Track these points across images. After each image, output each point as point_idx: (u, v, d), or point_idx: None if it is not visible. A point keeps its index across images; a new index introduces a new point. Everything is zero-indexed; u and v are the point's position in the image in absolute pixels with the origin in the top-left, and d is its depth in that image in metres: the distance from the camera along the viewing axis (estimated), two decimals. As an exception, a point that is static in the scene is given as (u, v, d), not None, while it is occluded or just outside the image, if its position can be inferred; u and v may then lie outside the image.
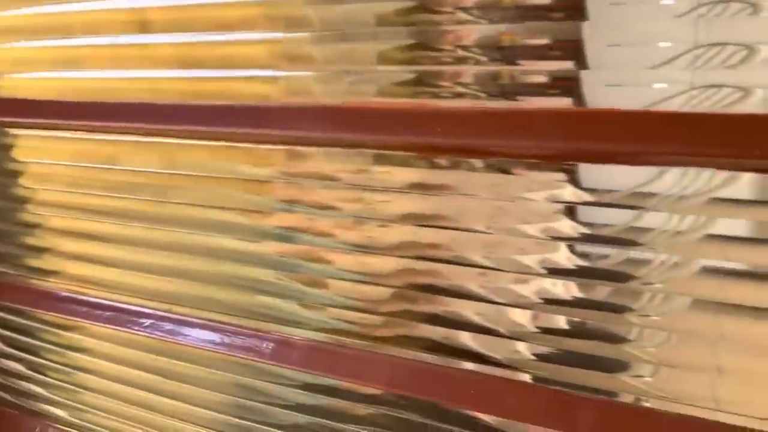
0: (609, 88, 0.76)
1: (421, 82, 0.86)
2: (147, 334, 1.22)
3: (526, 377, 0.91)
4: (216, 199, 1.09)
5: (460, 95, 0.84)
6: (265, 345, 1.11)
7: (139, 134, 1.13)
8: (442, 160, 0.88)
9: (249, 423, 1.19)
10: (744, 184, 0.74)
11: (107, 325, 1.28)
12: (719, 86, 0.70)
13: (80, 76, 1.15)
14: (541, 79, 0.79)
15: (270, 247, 1.07)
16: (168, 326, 1.22)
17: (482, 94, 0.83)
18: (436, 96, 0.85)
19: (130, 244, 1.22)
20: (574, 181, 0.81)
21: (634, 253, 0.80)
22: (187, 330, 1.20)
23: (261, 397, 1.17)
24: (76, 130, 1.20)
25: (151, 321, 1.24)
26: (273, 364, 1.11)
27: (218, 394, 1.21)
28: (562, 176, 0.82)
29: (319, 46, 0.92)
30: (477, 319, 0.92)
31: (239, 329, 1.14)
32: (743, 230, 0.76)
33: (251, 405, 1.18)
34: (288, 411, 1.15)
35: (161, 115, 1.07)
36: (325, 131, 0.94)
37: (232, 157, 1.05)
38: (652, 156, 0.75)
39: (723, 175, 0.74)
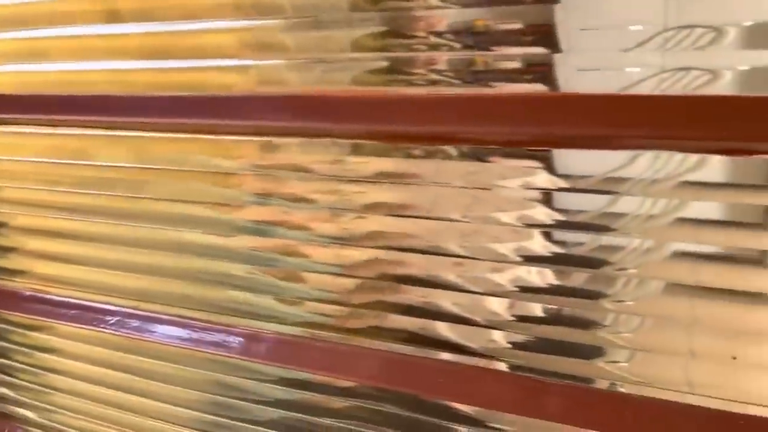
0: (582, 72, 0.77)
1: (394, 69, 0.86)
2: (113, 332, 1.21)
3: (503, 366, 0.92)
4: (186, 193, 1.09)
5: (434, 82, 0.84)
6: (237, 340, 1.12)
7: (106, 128, 1.12)
8: (418, 150, 0.88)
9: (224, 419, 1.18)
10: (714, 167, 0.75)
11: (74, 324, 1.27)
12: (689, 69, 0.71)
13: (46, 69, 1.13)
14: (515, 64, 0.80)
15: (243, 241, 1.07)
16: (135, 323, 1.21)
17: (456, 81, 0.83)
18: (410, 83, 0.85)
19: (97, 241, 1.21)
20: (549, 168, 0.82)
21: (608, 239, 0.81)
22: (155, 326, 1.19)
23: (235, 393, 1.16)
24: (41, 125, 1.17)
25: (118, 318, 1.22)
26: (246, 360, 1.11)
27: (191, 391, 1.20)
28: (536, 163, 0.83)
29: (291, 34, 0.91)
30: (453, 309, 0.93)
31: (210, 325, 1.14)
32: (715, 213, 0.77)
33: (225, 401, 1.18)
34: (263, 406, 1.15)
35: (130, 108, 1.06)
36: (298, 121, 0.94)
37: (203, 149, 1.05)
38: (624, 140, 0.76)
39: (694, 158, 0.74)
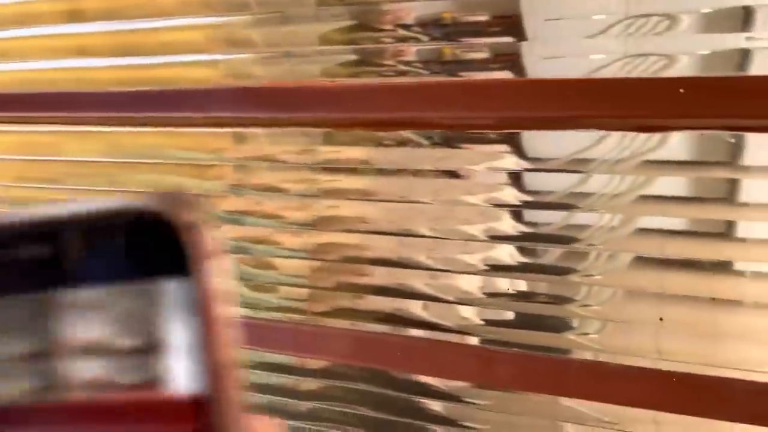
0: (548, 60, 0.79)
1: (363, 62, 0.88)
2: None
3: (475, 340, 0.95)
4: (157, 186, 1.10)
5: (402, 73, 0.85)
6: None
7: (77, 123, 1.11)
8: (388, 138, 0.90)
9: None
10: (676, 145, 0.78)
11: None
12: (650, 54, 0.73)
13: (12, 68, 1.11)
14: (483, 54, 0.82)
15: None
16: None
17: (424, 72, 0.85)
18: (379, 75, 0.87)
19: None
20: (516, 151, 0.86)
21: (576, 217, 0.85)
22: None
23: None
24: (10, 122, 1.16)
25: None
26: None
27: None
28: (503, 147, 0.86)
29: (259, 29, 0.91)
30: (425, 289, 0.96)
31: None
32: (679, 190, 0.80)
33: None
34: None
35: (99, 103, 1.06)
36: (268, 111, 0.95)
37: (174, 142, 1.07)
38: (588, 120, 0.79)
39: (656, 137, 0.77)
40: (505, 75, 0.81)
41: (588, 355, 0.90)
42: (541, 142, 0.84)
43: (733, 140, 0.77)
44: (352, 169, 0.95)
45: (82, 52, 1.03)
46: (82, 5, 1.00)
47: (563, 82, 0.79)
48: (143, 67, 1.02)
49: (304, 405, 1.12)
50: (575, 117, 0.80)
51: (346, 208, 0.97)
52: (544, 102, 0.80)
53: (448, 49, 0.83)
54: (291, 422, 1.15)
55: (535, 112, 0.81)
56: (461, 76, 0.83)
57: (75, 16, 1.01)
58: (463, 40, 0.82)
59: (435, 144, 0.88)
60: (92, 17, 1.00)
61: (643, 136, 0.79)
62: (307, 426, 1.12)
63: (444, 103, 0.85)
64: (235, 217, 1.05)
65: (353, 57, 0.88)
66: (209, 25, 0.95)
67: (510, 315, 0.93)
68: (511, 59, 0.80)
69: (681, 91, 0.75)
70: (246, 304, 1.09)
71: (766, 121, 0.75)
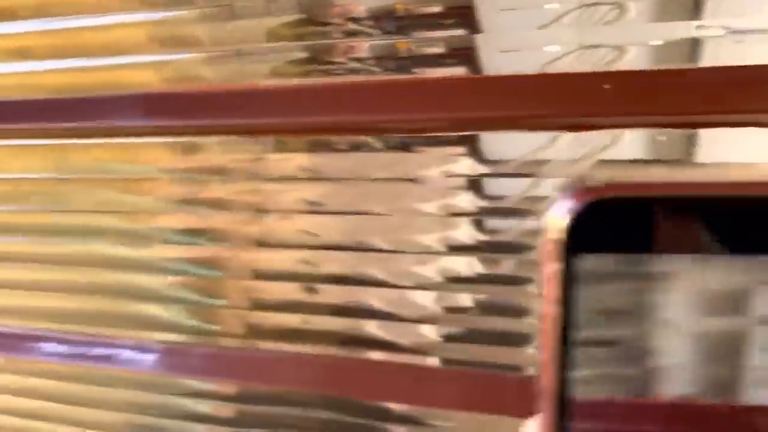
0: (504, 53, 0.78)
1: (313, 59, 0.87)
2: (21, 357, 1.16)
3: (435, 361, 0.93)
4: (94, 204, 1.08)
5: (354, 71, 0.84)
6: (158, 357, 1.09)
7: (4, 137, 1.05)
8: (341, 143, 0.88)
9: None
10: (631, 143, 0.78)
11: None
12: (605, 45, 0.74)
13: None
14: (437, 49, 0.81)
15: (159, 251, 1.05)
16: (42, 345, 1.16)
17: (377, 69, 0.83)
18: (330, 73, 0.85)
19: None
20: (471, 154, 0.85)
21: (532, 223, 0.83)
22: (60, 347, 1.14)
23: (161, 412, 1.12)
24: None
25: (29, 342, 1.16)
26: (170, 376, 1.09)
27: (109, 412, 1.15)
28: (457, 149, 0.86)
29: (205, 25, 0.90)
30: (380, 306, 0.94)
31: (124, 342, 1.10)
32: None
33: (153, 422, 1.13)
34: (191, 423, 1.11)
35: (31, 113, 1.01)
36: (216, 118, 0.93)
37: (113, 155, 1.04)
38: (542, 120, 0.79)
39: (610, 135, 0.77)
40: (461, 71, 0.80)
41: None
42: (495, 142, 0.83)
43: (664, 138, 0.77)
44: (302, 178, 0.92)
45: (15, 54, 0.99)
46: (12, 2, 0.97)
47: (515, 78, 0.78)
48: (80, 70, 0.98)
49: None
50: (530, 116, 0.79)
51: (298, 221, 0.95)
52: (496, 100, 0.79)
53: (402, 44, 0.82)
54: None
55: (487, 112, 0.81)
56: (414, 73, 0.82)
57: (8, 14, 0.97)
58: (416, 33, 0.81)
59: (387, 147, 0.87)
60: (24, 15, 0.96)
61: (596, 133, 0.78)
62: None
63: (395, 104, 0.84)
64: (180, 236, 1.01)
65: (302, 54, 0.87)
66: (152, 22, 0.92)
67: (467, 330, 0.91)
68: (466, 53, 0.79)
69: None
70: (191, 330, 1.04)
71: (696, 117, 0.75)
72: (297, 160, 0.92)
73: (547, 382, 0.25)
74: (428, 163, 0.86)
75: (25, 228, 1.14)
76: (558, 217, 0.24)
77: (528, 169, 0.82)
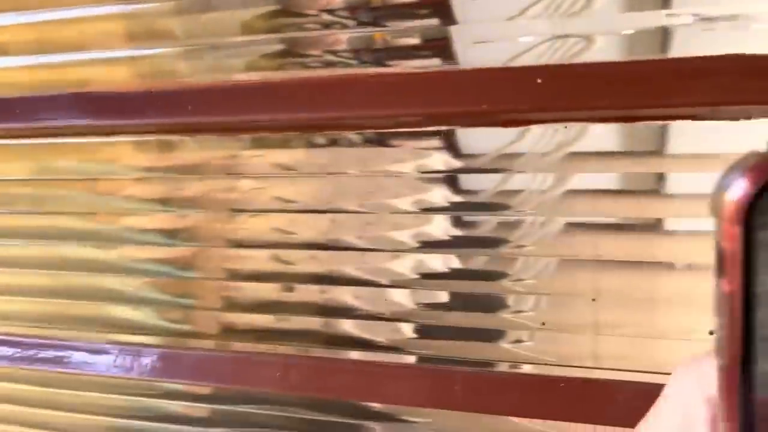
0: (478, 44, 0.80)
1: (289, 52, 0.87)
2: None
3: (411, 358, 0.95)
4: (62, 204, 1.08)
5: (330, 64, 0.85)
6: (146, 361, 1.08)
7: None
8: (315, 139, 0.89)
9: None
10: (603, 135, 0.79)
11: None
12: (576, 35, 0.75)
13: None
14: (413, 40, 0.82)
15: (129, 252, 1.06)
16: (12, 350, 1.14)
17: (353, 62, 0.84)
18: (305, 66, 0.86)
19: None
20: (444, 148, 0.87)
21: (504, 217, 0.86)
22: (36, 352, 1.12)
23: (143, 414, 1.11)
24: None
25: None
26: (152, 379, 1.10)
27: (86, 416, 1.14)
28: (430, 144, 0.87)
29: (179, 18, 0.90)
30: (355, 303, 0.96)
31: (100, 345, 1.09)
32: (608, 183, 0.82)
33: (131, 424, 1.12)
34: (167, 424, 1.10)
35: (21, 111, 1.00)
36: (190, 116, 0.93)
37: (80, 154, 1.05)
38: (514, 114, 0.80)
39: (578, 127, 0.79)
40: (436, 62, 0.81)
41: (524, 366, 0.89)
42: (467, 136, 0.85)
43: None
44: (276, 175, 0.93)
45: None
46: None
47: (487, 71, 0.80)
48: (50, 66, 0.98)
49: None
50: (501, 111, 0.81)
51: (272, 219, 0.96)
52: (468, 94, 0.80)
53: (378, 36, 0.83)
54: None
55: (459, 106, 0.82)
56: (390, 65, 0.83)
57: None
58: (391, 24, 0.82)
59: (359, 142, 0.88)
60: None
61: (567, 126, 0.80)
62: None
63: (367, 99, 0.84)
64: (152, 237, 1.01)
65: (278, 47, 0.88)
66: (126, 15, 0.92)
67: (442, 326, 0.92)
68: (441, 44, 0.81)
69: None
70: (165, 331, 1.04)
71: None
72: (272, 157, 0.93)
73: (731, 358, 0.26)
74: (400, 157, 0.87)
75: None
76: (737, 193, 0.24)
77: (501, 164, 0.83)
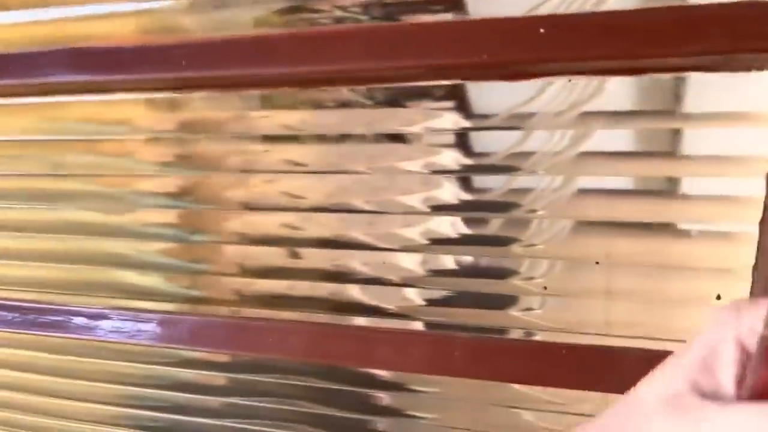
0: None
1: (298, 8, 0.86)
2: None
3: (419, 325, 0.96)
4: (68, 166, 1.08)
5: (339, 20, 0.84)
6: (151, 327, 1.11)
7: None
8: (325, 100, 0.88)
9: (151, 413, 1.16)
10: (618, 92, 0.78)
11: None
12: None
13: None
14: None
15: (141, 216, 1.07)
16: (28, 316, 1.16)
17: (363, 17, 0.84)
18: (315, 22, 0.85)
19: None
20: (455, 108, 0.85)
21: (517, 181, 0.85)
22: (46, 318, 1.13)
23: (153, 382, 1.12)
24: None
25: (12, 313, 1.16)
26: (161, 346, 1.11)
27: (101, 384, 1.15)
28: (441, 103, 0.86)
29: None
30: (364, 269, 0.96)
31: (111, 311, 1.09)
32: (621, 144, 0.81)
33: (145, 393, 1.13)
34: (183, 393, 1.10)
35: (8, 68, 0.99)
36: (198, 71, 0.92)
37: (80, 112, 1.04)
38: (530, 65, 0.79)
39: (595, 83, 0.78)
40: (447, 16, 0.81)
41: (535, 334, 0.89)
42: (478, 94, 0.85)
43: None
44: (285, 137, 0.94)
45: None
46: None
47: (501, 21, 0.79)
48: (58, 21, 0.97)
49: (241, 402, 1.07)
50: (517, 62, 0.80)
51: (281, 183, 0.97)
52: (483, 46, 0.80)
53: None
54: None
55: (473, 59, 0.81)
56: (401, 20, 0.83)
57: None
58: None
59: (368, 101, 0.87)
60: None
61: (582, 83, 0.79)
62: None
63: (378, 52, 0.84)
64: (162, 200, 1.00)
65: (287, 4, 0.87)
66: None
67: (451, 293, 0.93)
68: (453, -1, 0.80)
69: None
70: (171, 297, 1.04)
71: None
72: (280, 118, 0.93)
73: None
74: (410, 118, 0.87)
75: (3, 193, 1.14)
76: None
77: (514, 123, 0.83)
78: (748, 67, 0.72)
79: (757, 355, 0.28)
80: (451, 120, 0.86)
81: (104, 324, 1.13)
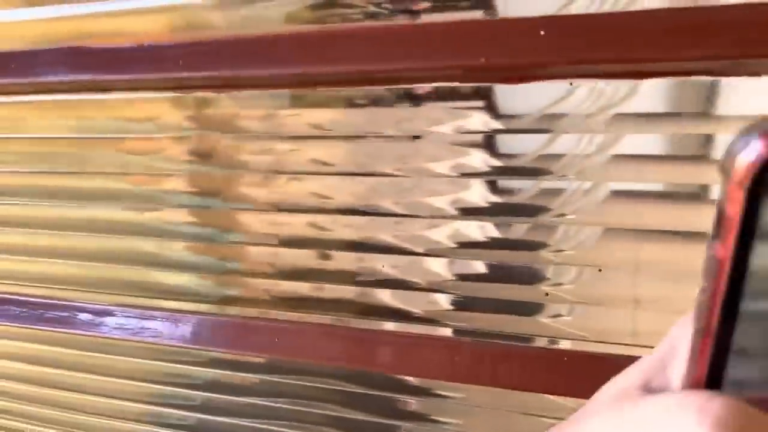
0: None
1: (331, 3, 0.86)
2: (40, 327, 1.23)
3: (447, 331, 0.97)
4: (97, 164, 1.11)
5: (372, 15, 0.85)
6: (181, 327, 1.14)
7: (39, 92, 1.09)
8: (354, 99, 0.89)
9: (181, 412, 1.19)
10: (650, 95, 0.78)
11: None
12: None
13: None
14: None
15: (168, 215, 1.09)
16: (63, 314, 1.22)
17: (397, 14, 0.84)
18: (348, 18, 0.86)
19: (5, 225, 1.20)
20: (484, 108, 0.86)
21: (546, 183, 0.86)
22: (81, 316, 1.16)
23: (182, 381, 1.13)
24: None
25: (43, 311, 1.18)
26: (193, 347, 1.13)
27: (133, 382, 1.23)
28: (471, 103, 0.87)
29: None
30: (391, 273, 0.98)
31: (144, 311, 1.11)
32: (653, 147, 0.81)
33: (174, 391, 1.15)
34: (216, 394, 1.15)
35: (42, 65, 1.02)
36: (227, 69, 0.93)
37: (106, 110, 1.06)
38: (560, 67, 0.79)
39: (628, 86, 0.78)
40: (477, 13, 0.81)
41: (561, 342, 0.89)
42: (509, 95, 0.85)
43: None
44: (313, 136, 0.95)
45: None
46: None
47: (532, 20, 0.79)
48: (74, 18, 0.99)
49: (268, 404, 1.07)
50: (547, 63, 0.80)
51: (309, 183, 0.98)
52: (513, 46, 0.80)
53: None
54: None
55: (503, 59, 0.81)
56: (432, 15, 0.83)
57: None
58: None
59: (397, 100, 0.88)
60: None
61: (613, 85, 0.79)
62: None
63: (407, 51, 0.84)
64: (188, 199, 1.02)
65: (320, -2, 0.88)
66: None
67: (479, 298, 0.93)
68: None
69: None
70: (200, 297, 1.05)
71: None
72: (309, 116, 0.93)
73: (707, 325, 0.26)
74: (439, 118, 0.87)
75: (26, 191, 1.18)
76: (749, 155, 0.23)
77: (544, 125, 0.83)
78: (756, 73, 0.71)
79: (689, 351, 0.28)
80: (480, 120, 0.86)
81: (108, 320, 1.16)
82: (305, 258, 1.02)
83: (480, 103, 0.85)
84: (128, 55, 0.98)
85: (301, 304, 1.04)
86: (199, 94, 0.99)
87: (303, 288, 1.03)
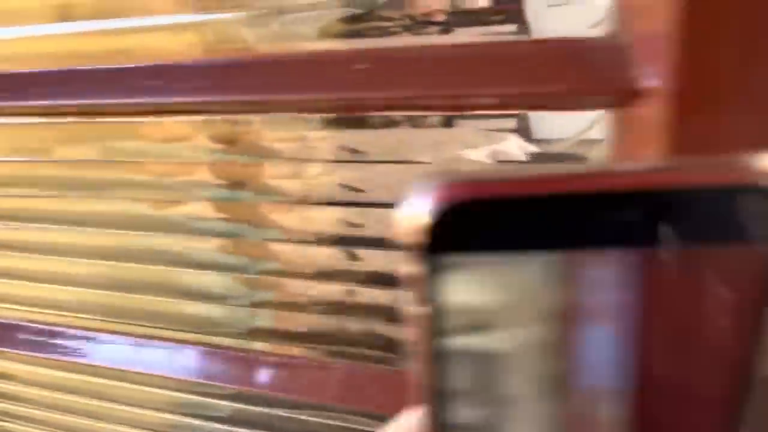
0: (552, 8, 0.76)
1: (365, 16, 0.84)
2: (63, 357, 1.19)
3: None
4: (125, 188, 1.07)
5: (408, 28, 0.82)
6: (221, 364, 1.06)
7: (16, 114, 1.04)
8: (384, 120, 0.86)
9: None
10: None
11: (21, 350, 1.22)
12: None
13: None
14: (484, 3, 0.79)
15: (202, 243, 1.05)
16: (87, 344, 1.17)
17: (428, 28, 0.82)
18: (385, 31, 0.83)
19: (31, 251, 1.19)
20: (519, 132, 0.81)
21: None
22: (102, 347, 1.15)
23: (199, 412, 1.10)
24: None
25: (67, 340, 1.17)
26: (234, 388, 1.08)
27: (156, 413, 1.21)
28: (506, 126, 0.82)
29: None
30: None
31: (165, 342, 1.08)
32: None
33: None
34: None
35: (50, 86, 0.99)
36: (256, 93, 0.90)
37: (128, 133, 1.03)
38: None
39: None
40: (508, 27, 0.78)
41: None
42: (544, 120, 0.81)
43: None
44: (343, 160, 0.92)
45: (26, 16, 0.98)
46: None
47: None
48: (99, 34, 0.98)
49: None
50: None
51: (337, 211, 0.94)
52: (544, 71, 0.76)
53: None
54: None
55: (537, 86, 0.77)
56: (459, 33, 0.80)
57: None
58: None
59: (431, 123, 0.85)
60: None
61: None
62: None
63: (444, 75, 0.81)
64: (219, 227, 0.99)
65: (353, 10, 0.85)
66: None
67: None
68: (513, 8, 0.76)
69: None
70: (232, 329, 1.02)
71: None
72: (337, 139, 0.91)
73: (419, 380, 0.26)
74: (473, 142, 0.84)
75: (54, 216, 1.16)
76: (418, 215, 0.23)
77: (580, 150, 0.79)
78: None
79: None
80: (515, 145, 0.82)
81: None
82: (331, 291, 0.97)
83: (514, 128, 0.81)
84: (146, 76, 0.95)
85: (322, 339, 1.00)
86: (225, 117, 0.96)
87: (325, 322, 0.99)
